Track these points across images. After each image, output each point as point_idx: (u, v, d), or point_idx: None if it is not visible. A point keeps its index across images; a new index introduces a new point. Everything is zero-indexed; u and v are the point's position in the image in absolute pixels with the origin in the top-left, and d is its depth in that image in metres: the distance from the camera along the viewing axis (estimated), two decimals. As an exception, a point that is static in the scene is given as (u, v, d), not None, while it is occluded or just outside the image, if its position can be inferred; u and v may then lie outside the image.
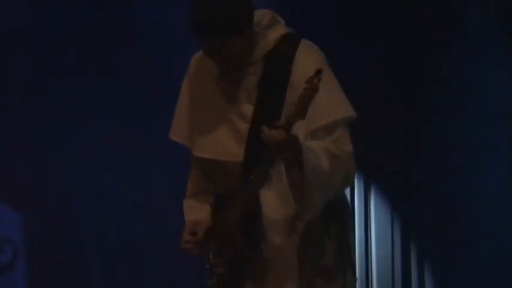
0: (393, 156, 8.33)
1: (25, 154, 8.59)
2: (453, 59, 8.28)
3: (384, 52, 8.43)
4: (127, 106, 8.19)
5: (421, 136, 8.40)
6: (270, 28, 3.98)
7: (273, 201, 3.97)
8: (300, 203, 3.76)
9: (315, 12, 8.74)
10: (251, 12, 3.86)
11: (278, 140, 3.46)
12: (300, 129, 3.67)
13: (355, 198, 8.47)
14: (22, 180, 8.81)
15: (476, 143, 8.12)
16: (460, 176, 8.20)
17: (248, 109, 3.89)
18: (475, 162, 8.20)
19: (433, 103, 8.25)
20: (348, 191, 7.36)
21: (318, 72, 3.38)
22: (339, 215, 4.08)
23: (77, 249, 8.90)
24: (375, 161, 8.20)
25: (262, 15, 3.93)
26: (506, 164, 8.14)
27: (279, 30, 3.96)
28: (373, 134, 8.09)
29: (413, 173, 8.32)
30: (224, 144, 3.98)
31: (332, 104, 3.79)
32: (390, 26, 8.53)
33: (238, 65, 3.92)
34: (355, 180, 7.94)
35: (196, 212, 4.11)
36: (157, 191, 8.35)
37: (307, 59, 3.91)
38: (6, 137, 8.54)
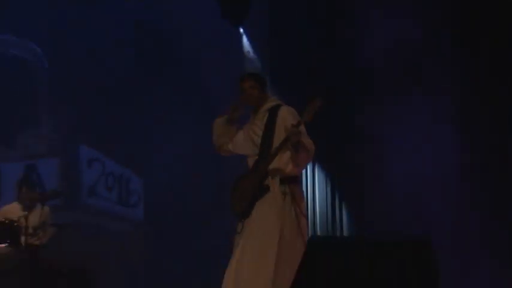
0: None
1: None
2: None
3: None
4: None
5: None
6: (272, 98, 6.96)
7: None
8: (295, 163, 6.51)
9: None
10: (265, 83, 7.00)
11: (296, 132, 6.22)
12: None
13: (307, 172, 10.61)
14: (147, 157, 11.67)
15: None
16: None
17: (260, 131, 6.77)
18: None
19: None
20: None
21: (298, 123, 6.27)
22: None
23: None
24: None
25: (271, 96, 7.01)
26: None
27: (275, 102, 6.87)
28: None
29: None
30: (248, 147, 6.91)
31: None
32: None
33: (256, 109, 6.84)
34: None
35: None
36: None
37: (285, 114, 6.68)
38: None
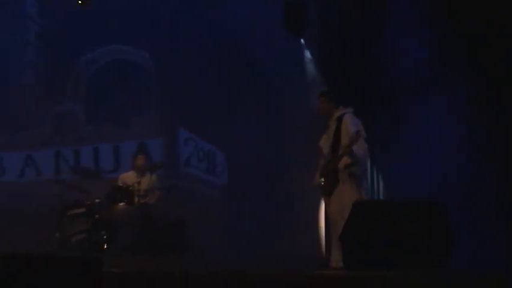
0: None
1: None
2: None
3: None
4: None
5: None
6: (340, 108, 7.48)
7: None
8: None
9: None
10: (333, 97, 7.60)
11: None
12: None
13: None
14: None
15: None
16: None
17: (332, 137, 7.38)
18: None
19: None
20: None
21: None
22: None
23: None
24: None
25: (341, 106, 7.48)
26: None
27: (342, 110, 7.38)
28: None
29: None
30: (326, 148, 7.50)
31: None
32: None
33: (329, 118, 7.52)
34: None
35: None
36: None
37: (345, 122, 7.27)
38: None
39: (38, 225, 10.64)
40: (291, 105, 11.51)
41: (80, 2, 10.59)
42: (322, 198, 7.85)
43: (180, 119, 12.13)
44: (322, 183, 7.48)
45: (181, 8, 11.49)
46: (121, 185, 10.18)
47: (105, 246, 9.65)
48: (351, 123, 7.33)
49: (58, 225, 9.84)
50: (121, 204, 9.93)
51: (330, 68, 10.61)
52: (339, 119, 7.45)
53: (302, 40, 11.42)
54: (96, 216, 9.82)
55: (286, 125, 11.37)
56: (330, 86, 9.94)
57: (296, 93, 11.42)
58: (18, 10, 12.14)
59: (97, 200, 10.03)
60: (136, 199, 9.84)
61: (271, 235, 10.20)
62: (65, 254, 9.28)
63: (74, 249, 9.66)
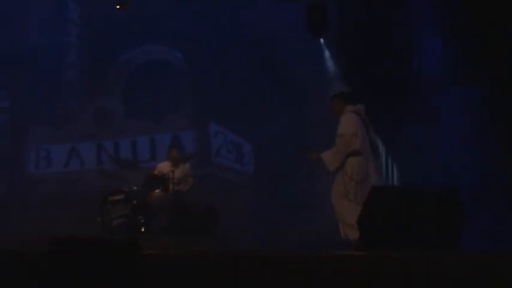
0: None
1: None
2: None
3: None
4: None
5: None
6: (348, 107, 7.33)
7: None
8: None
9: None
10: (343, 98, 7.50)
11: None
12: None
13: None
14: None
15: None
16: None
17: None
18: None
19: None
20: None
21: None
22: None
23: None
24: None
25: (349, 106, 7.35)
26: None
27: (347, 110, 7.28)
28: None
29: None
30: None
31: None
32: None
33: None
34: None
35: None
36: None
37: (341, 121, 7.25)
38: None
39: (82, 210, 10.64)
40: (312, 99, 11.39)
41: (117, 6, 10.62)
42: None
43: (210, 114, 12.14)
44: None
45: (210, 11, 11.52)
46: (157, 173, 10.20)
47: (142, 230, 9.71)
48: (343, 123, 7.39)
49: (100, 210, 9.88)
50: (157, 191, 9.96)
51: (348, 65, 10.62)
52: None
53: (322, 40, 11.41)
54: (134, 202, 9.86)
55: (309, 118, 11.32)
56: (347, 81, 9.98)
57: (317, 88, 11.29)
58: (61, 15, 12.20)
59: (135, 188, 10.07)
60: (170, 187, 9.85)
61: (295, 218, 10.11)
62: (106, 236, 9.39)
63: (115, 232, 9.72)
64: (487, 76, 8.79)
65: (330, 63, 11.49)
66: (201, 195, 10.28)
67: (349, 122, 7.37)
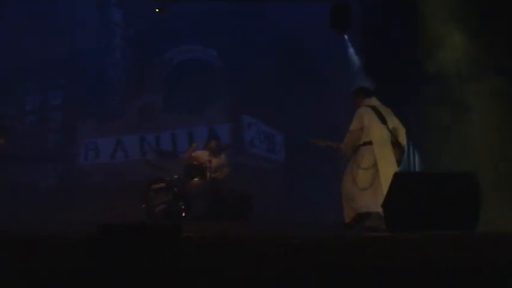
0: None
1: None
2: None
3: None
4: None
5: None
6: (364, 101, 7.35)
7: None
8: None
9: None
10: (361, 93, 7.53)
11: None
12: None
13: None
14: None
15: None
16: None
17: None
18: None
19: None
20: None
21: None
22: None
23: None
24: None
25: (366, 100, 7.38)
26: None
27: (364, 103, 7.31)
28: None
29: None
30: None
31: None
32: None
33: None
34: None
35: None
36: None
37: (355, 115, 7.32)
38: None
39: (127, 198, 10.71)
40: (337, 92, 11.31)
41: (157, 10, 10.70)
42: None
43: (243, 107, 12.13)
44: None
45: (242, 12, 11.51)
46: (195, 163, 10.24)
47: (183, 215, 9.77)
48: (354, 119, 7.43)
49: (144, 197, 10.00)
50: (195, 179, 10.07)
51: (371, 60, 10.59)
52: None
53: (346, 36, 11.35)
54: (175, 189, 9.99)
55: (334, 110, 11.15)
56: (370, 75, 9.89)
57: (342, 82, 11.28)
58: (105, 18, 12.21)
59: (175, 176, 10.17)
60: (208, 175, 9.89)
61: (323, 202, 9.95)
62: (150, 221, 9.50)
63: (157, 217, 9.83)
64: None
65: (354, 59, 11.40)
66: (236, 183, 10.32)
67: (357, 119, 7.38)
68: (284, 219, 9.79)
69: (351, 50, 11.40)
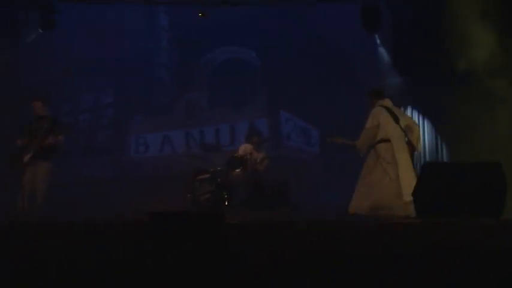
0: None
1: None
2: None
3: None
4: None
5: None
6: (378, 102, 7.54)
7: None
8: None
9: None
10: (375, 94, 7.63)
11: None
12: None
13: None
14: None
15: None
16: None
17: None
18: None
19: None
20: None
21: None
22: None
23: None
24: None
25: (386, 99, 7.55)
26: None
27: (377, 104, 7.49)
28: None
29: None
30: None
31: None
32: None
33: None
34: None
35: None
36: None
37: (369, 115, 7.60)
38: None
39: (174, 188, 10.81)
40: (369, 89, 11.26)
41: (200, 14, 10.75)
42: None
43: (281, 104, 12.12)
44: None
45: (279, 15, 11.46)
46: (237, 155, 10.27)
47: (226, 203, 9.80)
48: (369, 117, 7.56)
49: (189, 188, 10.08)
50: (237, 170, 10.06)
51: (401, 59, 10.51)
52: None
53: (377, 36, 11.24)
54: (218, 180, 10.00)
55: (366, 107, 11.15)
56: (400, 72, 9.75)
57: (373, 80, 11.14)
58: (153, 22, 12.30)
59: (218, 168, 10.21)
60: (249, 166, 9.85)
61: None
62: (195, 210, 9.57)
63: (202, 206, 9.89)
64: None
65: (384, 57, 11.27)
66: (275, 173, 10.29)
67: (372, 117, 7.51)
68: (320, 207, 9.78)
69: (382, 49, 11.29)
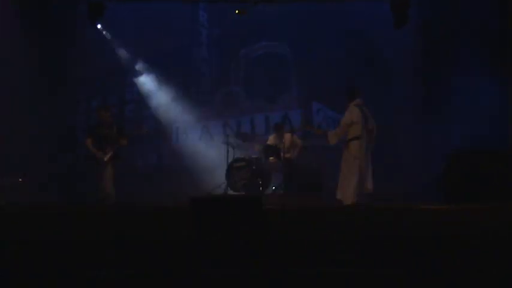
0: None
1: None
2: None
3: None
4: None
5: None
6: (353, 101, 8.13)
7: None
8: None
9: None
10: (348, 94, 8.17)
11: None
12: None
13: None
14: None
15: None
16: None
17: None
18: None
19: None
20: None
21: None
22: None
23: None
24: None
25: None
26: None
27: (351, 103, 8.11)
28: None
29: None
30: None
31: None
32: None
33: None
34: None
35: None
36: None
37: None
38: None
39: (212, 174, 10.97)
40: (398, 81, 11.42)
41: (237, 11, 10.79)
42: None
43: (313, 95, 12.07)
44: None
45: (312, 10, 11.41)
46: (270, 144, 10.34)
47: (261, 189, 9.90)
48: (346, 113, 8.23)
49: (227, 174, 10.19)
50: (271, 158, 10.15)
51: (428, 52, 10.61)
52: None
53: (406, 29, 11.00)
54: (254, 167, 10.11)
55: (395, 98, 11.25)
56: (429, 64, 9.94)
57: (402, 71, 11.37)
58: (193, 19, 12.32)
59: (254, 156, 10.25)
60: (282, 154, 9.91)
61: (385, 179, 9.67)
62: (233, 195, 9.75)
63: (240, 191, 10.02)
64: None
65: (411, 50, 11.26)
66: (307, 161, 10.31)
67: (347, 115, 8.17)
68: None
69: (410, 42, 11.23)
